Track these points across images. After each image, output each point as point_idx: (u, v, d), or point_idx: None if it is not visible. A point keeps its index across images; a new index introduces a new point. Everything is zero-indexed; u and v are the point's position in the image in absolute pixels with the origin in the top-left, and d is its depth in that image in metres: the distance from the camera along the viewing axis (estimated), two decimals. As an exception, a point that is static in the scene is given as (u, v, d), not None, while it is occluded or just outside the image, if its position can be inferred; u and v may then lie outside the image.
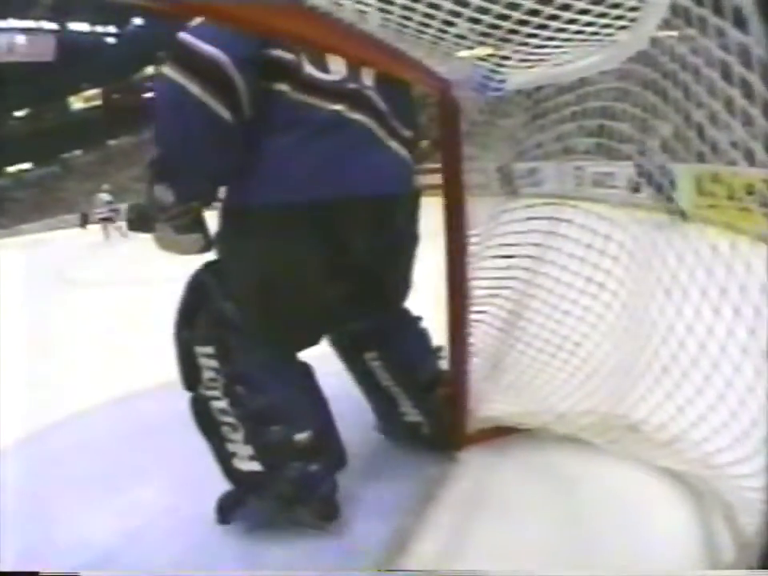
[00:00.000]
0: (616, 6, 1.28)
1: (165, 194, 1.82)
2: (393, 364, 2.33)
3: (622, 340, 2.04)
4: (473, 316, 2.31)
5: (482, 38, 1.47)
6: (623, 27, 1.38)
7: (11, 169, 45.24)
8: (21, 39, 44.76)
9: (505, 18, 1.30)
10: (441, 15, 1.33)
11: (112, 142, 43.84)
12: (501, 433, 2.37)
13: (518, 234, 2.17)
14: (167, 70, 1.74)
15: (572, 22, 1.30)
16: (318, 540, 1.99)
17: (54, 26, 46.39)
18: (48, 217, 29.95)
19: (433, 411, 2.30)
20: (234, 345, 1.98)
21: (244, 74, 1.72)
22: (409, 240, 2.21)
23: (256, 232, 1.88)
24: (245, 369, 1.98)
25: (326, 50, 1.77)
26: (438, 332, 2.33)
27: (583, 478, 2.09)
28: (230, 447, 2.01)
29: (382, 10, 1.41)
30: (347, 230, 1.89)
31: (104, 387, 3.39)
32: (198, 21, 1.73)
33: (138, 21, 46.95)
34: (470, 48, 1.59)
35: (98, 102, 48.52)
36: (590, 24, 1.34)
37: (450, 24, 1.39)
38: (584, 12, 1.26)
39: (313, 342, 2.12)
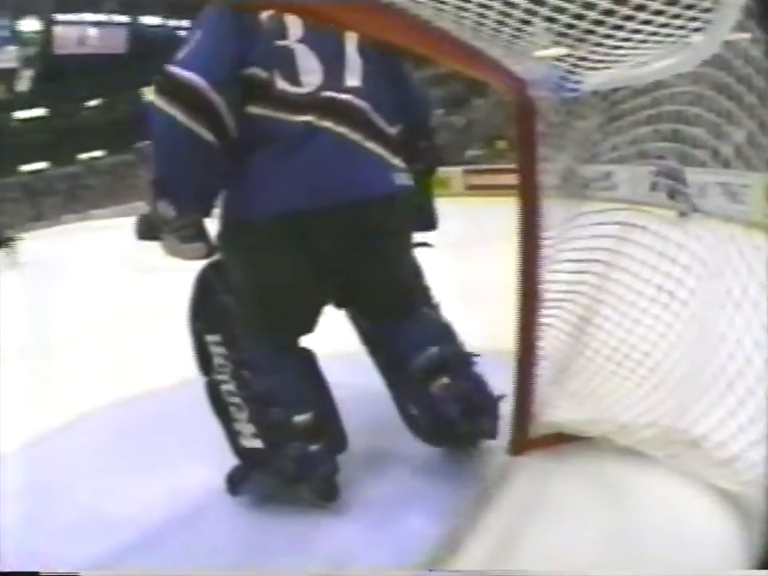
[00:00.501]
0: (690, 6, 1.31)
1: (167, 209, 2.04)
2: (390, 355, 2.46)
3: (689, 352, 2.03)
4: (543, 320, 2.36)
5: (558, 38, 1.54)
6: (698, 29, 1.40)
7: (83, 156, 47.06)
8: (92, 32, 46.59)
9: (581, 17, 1.36)
10: (517, 14, 1.41)
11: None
12: (561, 440, 2.40)
13: (591, 239, 2.19)
14: (156, 100, 2.00)
15: (647, 22, 1.33)
16: (369, 535, 2.11)
17: (125, 19, 48.14)
18: (119, 203, 31.02)
19: (428, 404, 2.34)
20: (238, 333, 2.28)
21: (223, 96, 1.97)
22: (399, 235, 2.36)
23: (243, 240, 2.17)
24: (249, 355, 2.27)
25: (401, 45, 1.89)
26: (508, 334, 2.39)
27: (638, 491, 2.10)
28: (237, 426, 2.30)
29: (458, 8, 1.51)
30: (322, 235, 2.09)
31: (175, 368, 3.60)
32: (184, 51, 2.02)
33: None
34: (547, 47, 1.67)
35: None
36: (664, 25, 1.37)
37: (527, 23, 1.48)
38: (659, 13, 1.29)
39: (305, 331, 2.37)
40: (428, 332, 2.43)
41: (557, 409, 2.42)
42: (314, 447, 2.22)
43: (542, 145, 2.16)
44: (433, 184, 2.78)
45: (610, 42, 1.51)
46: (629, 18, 1.36)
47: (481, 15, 1.52)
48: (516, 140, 2.22)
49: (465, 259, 6.41)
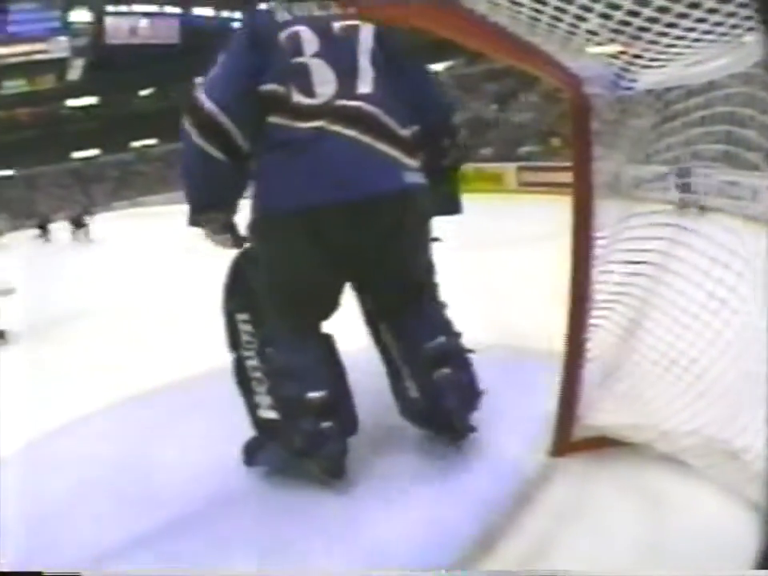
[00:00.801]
0: (744, 5, 1.30)
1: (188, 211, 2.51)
2: (400, 337, 2.65)
3: (737, 362, 1.99)
4: (592, 321, 2.36)
5: (613, 35, 1.55)
6: (751, 29, 1.39)
7: (136, 144, 48.14)
8: (144, 22, 47.57)
9: (635, 14, 1.38)
10: (572, 9, 1.43)
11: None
12: (603, 444, 2.39)
13: (643, 241, 2.18)
14: (183, 121, 2.41)
15: (701, 20, 1.33)
16: (405, 530, 2.16)
17: (177, 10, 49.04)
18: (171, 191, 31.69)
19: (430, 390, 2.55)
20: (263, 314, 2.57)
21: (234, 119, 2.33)
22: (410, 230, 2.50)
23: (265, 232, 2.48)
24: (273, 334, 2.54)
25: (457, 40, 1.92)
26: (555, 333, 2.41)
27: (677, 501, 2.09)
28: (256, 399, 2.59)
29: (514, 3, 1.53)
30: (334, 228, 2.33)
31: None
32: (208, 75, 2.44)
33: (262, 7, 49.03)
34: (601, 44, 1.68)
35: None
36: (718, 24, 1.36)
37: (582, 19, 1.49)
38: (713, 11, 1.29)
39: (324, 315, 2.60)
40: (435, 324, 2.66)
41: (601, 412, 2.41)
42: (325, 424, 2.40)
43: (596, 143, 2.17)
44: (459, 177, 2.99)
45: (665, 39, 1.51)
46: (683, 16, 1.36)
47: (536, 10, 1.54)
48: (571, 137, 2.23)
49: (515, 257, 6.42)
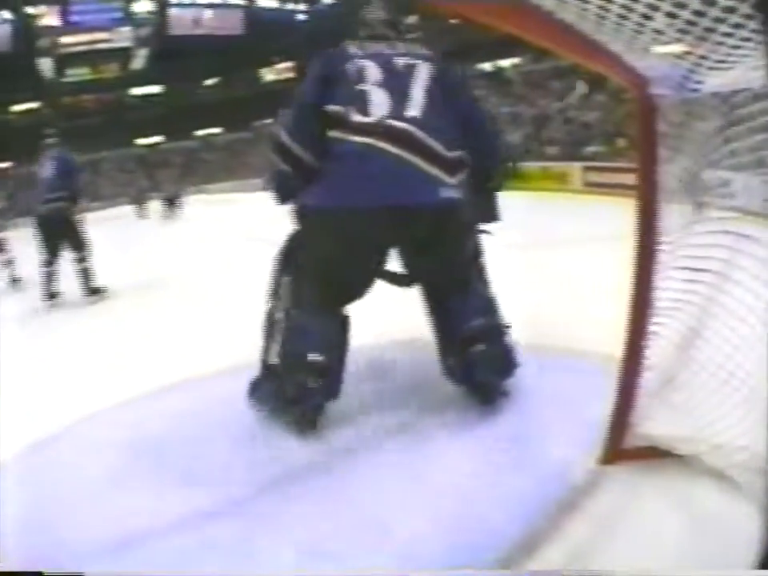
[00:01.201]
0: None
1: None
2: (443, 319, 3.16)
3: None
4: (652, 327, 2.33)
5: (679, 35, 1.54)
6: None
7: (201, 132, 49.10)
8: (208, 13, 48.37)
9: (701, 14, 1.36)
10: (639, 8, 1.42)
11: (306, 114, 46.72)
12: (653, 454, 2.37)
13: (706, 248, 2.14)
14: (271, 151, 3.15)
15: None
16: (446, 528, 2.18)
17: (241, 1, 49.72)
18: (235, 179, 32.24)
19: (465, 361, 3.04)
20: (301, 283, 3.07)
21: (298, 141, 2.99)
22: (444, 236, 2.94)
23: (312, 224, 3.03)
24: (302, 301, 3.04)
25: (523, 35, 1.93)
26: (614, 338, 2.41)
27: (724, 519, 2.04)
28: (271, 345, 3.11)
29: (582, 0, 1.54)
30: (369, 228, 2.84)
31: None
32: (287, 113, 3.13)
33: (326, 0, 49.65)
34: (668, 44, 1.66)
35: (291, 75, 51.69)
36: None
37: (648, 18, 1.48)
38: None
39: (347, 301, 3.09)
40: (476, 306, 3.11)
41: (654, 422, 2.39)
42: (314, 383, 2.89)
43: (661, 145, 2.15)
44: (498, 194, 3.47)
45: (731, 41, 1.49)
46: (749, 17, 1.34)
47: (603, 8, 1.54)
48: (636, 138, 2.22)
49: (578, 257, 6.38)
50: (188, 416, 3.38)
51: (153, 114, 48.79)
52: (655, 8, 1.41)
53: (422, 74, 3.01)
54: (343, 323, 3.08)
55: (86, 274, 7.36)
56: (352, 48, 3.09)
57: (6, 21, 43.14)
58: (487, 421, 2.94)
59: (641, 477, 2.34)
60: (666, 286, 2.28)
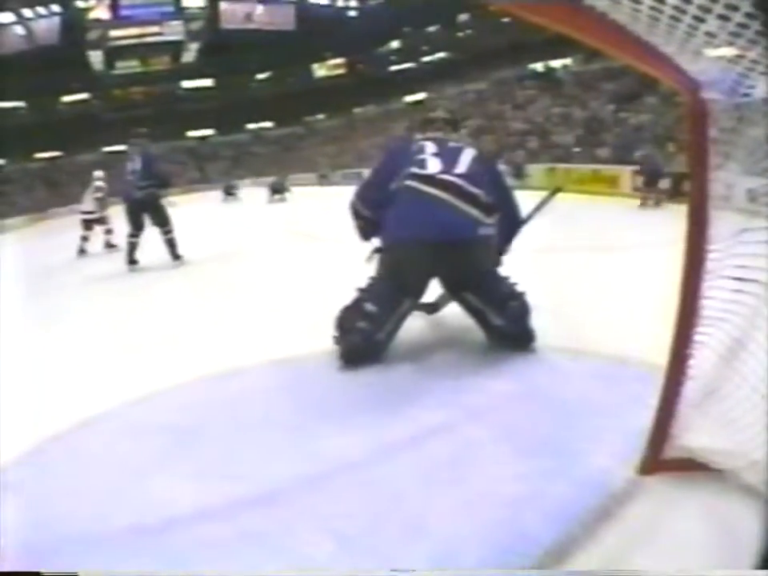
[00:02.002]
0: None
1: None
2: (481, 293, 3.97)
3: None
4: (698, 337, 2.30)
5: (731, 38, 1.52)
6: None
7: (252, 126, 49.76)
8: (260, 8, 48.84)
9: (753, 17, 1.34)
10: (691, 10, 1.41)
11: (357, 110, 47.01)
12: (691, 467, 2.34)
13: (754, 257, 2.08)
14: (352, 217, 4.54)
15: None
16: (482, 529, 2.18)
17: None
18: (286, 173, 32.64)
19: (510, 315, 3.91)
20: (381, 274, 4.12)
21: (362, 202, 4.39)
22: (477, 259, 3.96)
23: (388, 249, 4.11)
24: (383, 279, 4.07)
25: (575, 35, 1.92)
26: (657, 345, 2.41)
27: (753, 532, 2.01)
28: (357, 296, 4.02)
29: (632, 0, 1.52)
30: (428, 255, 3.84)
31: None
32: (362, 183, 4.66)
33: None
34: (720, 47, 1.64)
35: (342, 71, 52.08)
36: None
37: (700, 20, 1.47)
38: None
39: (413, 296, 4.09)
40: (498, 277, 4.08)
41: (695, 434, 2.36)
42: (361, 324, 3.86)
43: (712, 151, 2.12)
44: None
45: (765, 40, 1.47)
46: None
47: (655, 9, 1.52)
48: (688, 143, 2.19)
49: (627, 263, 6.34)
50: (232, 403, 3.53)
51: (204, 107, 49.46)
52: (707, 10, 1.39)
53: (467, 152, 4.14)
54: (404, 309, 4.02)
55: (171, 244, 9.47)
56: (417, 135, 4.46)
57: (55, 14, 44.06)
58: (528, 426, 2.94)
59: (677, 489, 2.32)
60: (713, 295, 2.24)
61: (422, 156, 4.07)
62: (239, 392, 3.70)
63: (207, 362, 4.22)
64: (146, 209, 9.39)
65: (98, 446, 3.12)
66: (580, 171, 18.27)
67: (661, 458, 2.41)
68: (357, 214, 4.43)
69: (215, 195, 30.07)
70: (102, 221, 13.17)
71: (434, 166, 3.99)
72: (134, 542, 2.26)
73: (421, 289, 4.15)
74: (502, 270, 4.17)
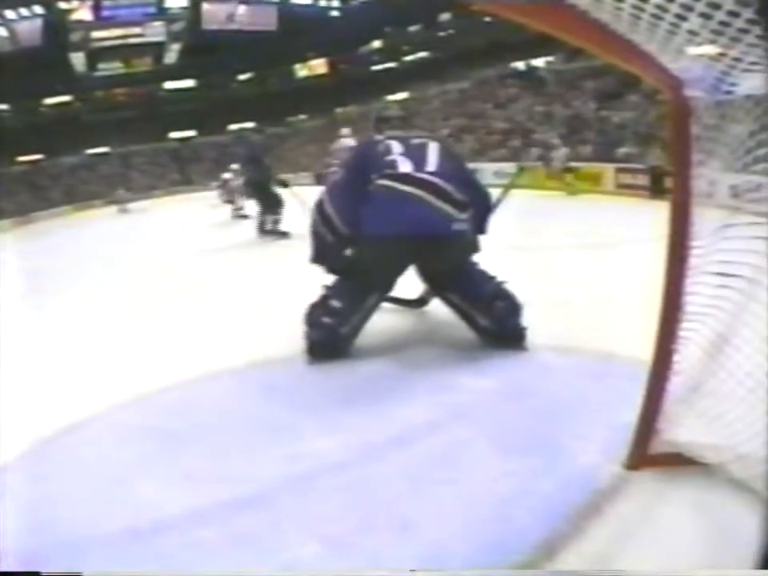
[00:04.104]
0: None
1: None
2: (465, 293, 4.05)
3: None
4: (682, 332, 2.32)
5: (713, 36, 1.53)
6: None
7: (233, 127, 49.56)
8: (242, 9, 48.67)
9: (736, 15, 1.35)
10: (673, 8, 1.41)
11: (339, 110, 46.99)
12: (678, 461, 2.35)
13: (738, 253, 2.09)
14: (313, 211, 4.39)
15: None
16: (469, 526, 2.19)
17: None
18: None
19: (497, 315, 3.94)
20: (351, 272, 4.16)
21: (341, 216, 4.13)
22: (452, 254, 4.04)
23: (359, 244, 4.08)
24: (350, 276, 4.11)
25: (558, 34, 1.93)
26: (643, 342, 2.41)
27: (747, 533, 2.05)
28: (323, 293, 4.08)
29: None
30: (403, 250, 3.91)
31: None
32: (331, 184, 4.57)
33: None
34: (702, 45, 1.65)
35: (324, 71, 51.98)
36: None
37: (683, 18, 1.48)
38: None
39: (384, 289, 4.27)
40: (482, 277, 4.09)
41: (681, 428, 2.37)
42: (326, 319, 3.97)
43: (695, 148, 2.13)
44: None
45: (765, 43, 1.48)
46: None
47: (637, 8, 1.53)
48: (670, 141, 2.20)
49: (609, 260, 6.37)
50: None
51: (186, 108, 49.23)
52: (689, 8, 1.40)
53: (432, 147, 4.19)
54: (373, 301, 4.13)
55: (275, 224, 11.02)
56: (378, 137, 4.42)
57: (38, 15, 43.71)
58: (514, 423, 2.95)
59: (664, 484, 2.33)
60: (697, 290, 2.26)
61: (391, 157, 4.10)
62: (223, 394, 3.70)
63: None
64: (261, 191, 11.17)
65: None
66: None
67: (648, 454, 2.42)
68: (327, 222, 4.22)
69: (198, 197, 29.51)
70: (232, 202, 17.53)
71: (404, 165, 4.03)
72: (124, 545, 2.25)
73: (390, 283, 4.29)
74: (485, 268, 4.16)
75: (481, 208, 4.33)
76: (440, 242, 3.90)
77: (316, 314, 4.03)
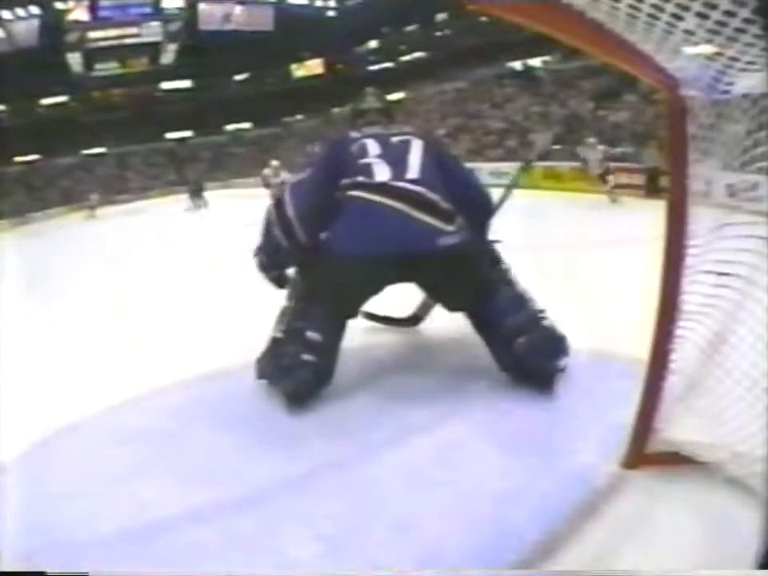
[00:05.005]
0: None
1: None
2: (478, 325, 3.55)
3: None
4: (679, 331, 2.32)
5: (709, 35, 1.53)
6: None
7: (230, 127, 49.47)
8: (238, 9, 48.63)
9: (732, 14, 1.35)
10: (669, 7, 1.42)
11: (335, 110, 46.98)
12: (675, 460, 2.35)
13: (735, 252, 2.11)
14: (269, 210, 3.72)
15: None
16: (467, 526, 2.20)
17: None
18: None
19: (516, 356, 3.32)
20: (312, 297, 3.55)
21: (302, 222, 3.54)
22: (448, 274, 3.40)
23: (325, 264, 3.43)
24: (319, 301, 3.48)
25: (555, 34, 1.93)
26: (640, 341, 2.41)
27: (745, 531, 2.04)
28: (279, 325, 3.57)
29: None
30: (377, 271, 3.36)
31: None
32: (296, 182, 3.84)
33: (356, -4, 49.85)
34: (698, 45, 1.65)
35: (321, 71, 51.90)
36: None
37: (679, 18, 1.48)
38: None
39: (350, 310, 3.64)
40: (506, 305, 3.47)
41: (678, 427, 2.38)
42: (306, 357, 3.31)
43: (691, 147, 2.14)
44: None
45: (761, 42, 1.48)
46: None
47: (634, 7, 1.53)
48: (666, 140, 2.21)
49: (607, 260, 6.36)
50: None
51: (182, 108, 49.15)
52: (686, 8, 1.41)
53: (415, 146, 3.62)
54: (341, 328, 3.53)
55: None
56: (353, 133, 3.76)
57: (35, 16, 43.64)
58: (511, 423, 2.95)
59: (662, 483, 2.34)
60: (694, 289, 2.27)
61: (365, 160, 3.52)
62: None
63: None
64: None
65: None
66: (560, 169, 18.29)
67: (645, 452, 2.43)
68: (288, 231, 3.60)
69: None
70: None
71: (381, 172, 3.45)
72: (121, 546, 2.26)
73: (358, 309, 3.80)
74: (521, 289, 3.62)
75: (480, 211, 3.81)
76: (424, 261, 3.32)
77: (291, 353, 3.37)
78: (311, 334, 3.34)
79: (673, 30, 1.56)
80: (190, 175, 32.83)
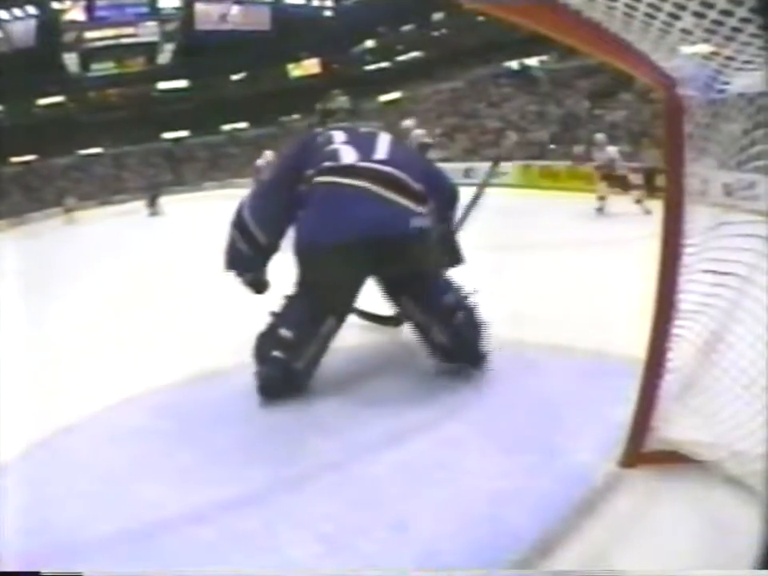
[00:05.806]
0: None
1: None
2: (423, 302, 3.52)
3: None
4: (676, 330, 2.32)
5: (706, 34, 1.53)
6: None
7: (227, 127, 49.41)
8: (235, 9, 48.60)
9: (729, 14, 1.36)
10: (666, 7, 1.42)
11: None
12: (673, 459, 2.35)
13: (732, 251, 2.11)
14: (230, 224, 3.75)
15: None
16: (465, 525, 2.19)
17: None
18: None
19: (455, 330, 3.44)
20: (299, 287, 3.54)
21: (259, 223, 3.62)
22: (412, 256, 3.40)
23: (299, 257, 3.41)
24: (299, 296, 3.49)
25: (552, 34, 1.93)
26: (637, 340, 2.41)
27: (744, 529, 2.03)
28: (271, 321, 3.46)
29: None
30: (357, 256, 3.27)
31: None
32: (253, 192, 3.97)
33: (353, -4, 49.85)
34: (695, 44, 1.66)
35: (317, 71, 51.87)
36: None
37: (676, 17, 1.48)
38: None
39: (335, 306, 3.52)
40: (444, 285, 3.57)
41: (675, 426, 2.38)
42: (276, 353, 3.33)
43: (688, 146, 2.14)
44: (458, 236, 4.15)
45: (758, 41, 1.48)
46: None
47: (630, 7, 1.54)
48: (663, 139, 2.21)
49: (602, 259, 6.36)
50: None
51: (179, 108, 49.10)
52: (683, 7, 1.41)
53: (383, 137, 3.66)
54: (329, 326, 3.47)
55: None
56: (320, 130, 3.81)
57: (32, 16, 43.56)
58: (508, 423, 2.95)
59: (659, 482, 2.34)
60: (691, 288, 2.27)
61: (332, 147, 3.51)
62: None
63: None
64: None
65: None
66: (556, 168, 18.31)
67: (642, 451, 2.43)
68: (245, 233, 3.67)
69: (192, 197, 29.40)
70: None
71: (348, 155, 3.43)
72: (120, 545, 2.25)
73: (348, 301, 3.67)
74: (452, 276, 3.72)
75: (443, 200, 3.74)
76: (399, 243, 3.29)
77: (265, 347, 3.40)
78: (283, 332, 3.35)
79: (669, 29, 1.57)
80: (150, 182, 32.47)
